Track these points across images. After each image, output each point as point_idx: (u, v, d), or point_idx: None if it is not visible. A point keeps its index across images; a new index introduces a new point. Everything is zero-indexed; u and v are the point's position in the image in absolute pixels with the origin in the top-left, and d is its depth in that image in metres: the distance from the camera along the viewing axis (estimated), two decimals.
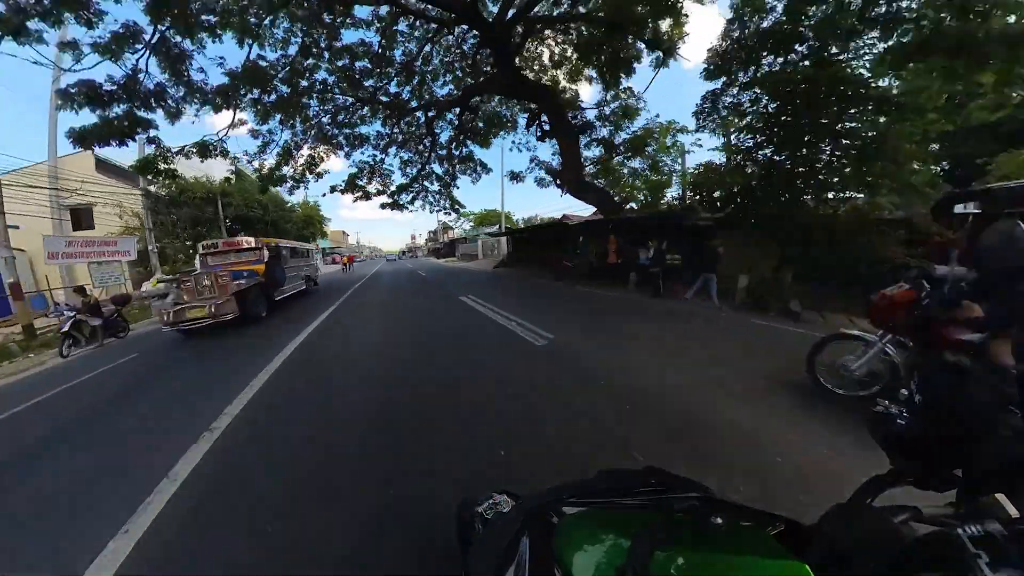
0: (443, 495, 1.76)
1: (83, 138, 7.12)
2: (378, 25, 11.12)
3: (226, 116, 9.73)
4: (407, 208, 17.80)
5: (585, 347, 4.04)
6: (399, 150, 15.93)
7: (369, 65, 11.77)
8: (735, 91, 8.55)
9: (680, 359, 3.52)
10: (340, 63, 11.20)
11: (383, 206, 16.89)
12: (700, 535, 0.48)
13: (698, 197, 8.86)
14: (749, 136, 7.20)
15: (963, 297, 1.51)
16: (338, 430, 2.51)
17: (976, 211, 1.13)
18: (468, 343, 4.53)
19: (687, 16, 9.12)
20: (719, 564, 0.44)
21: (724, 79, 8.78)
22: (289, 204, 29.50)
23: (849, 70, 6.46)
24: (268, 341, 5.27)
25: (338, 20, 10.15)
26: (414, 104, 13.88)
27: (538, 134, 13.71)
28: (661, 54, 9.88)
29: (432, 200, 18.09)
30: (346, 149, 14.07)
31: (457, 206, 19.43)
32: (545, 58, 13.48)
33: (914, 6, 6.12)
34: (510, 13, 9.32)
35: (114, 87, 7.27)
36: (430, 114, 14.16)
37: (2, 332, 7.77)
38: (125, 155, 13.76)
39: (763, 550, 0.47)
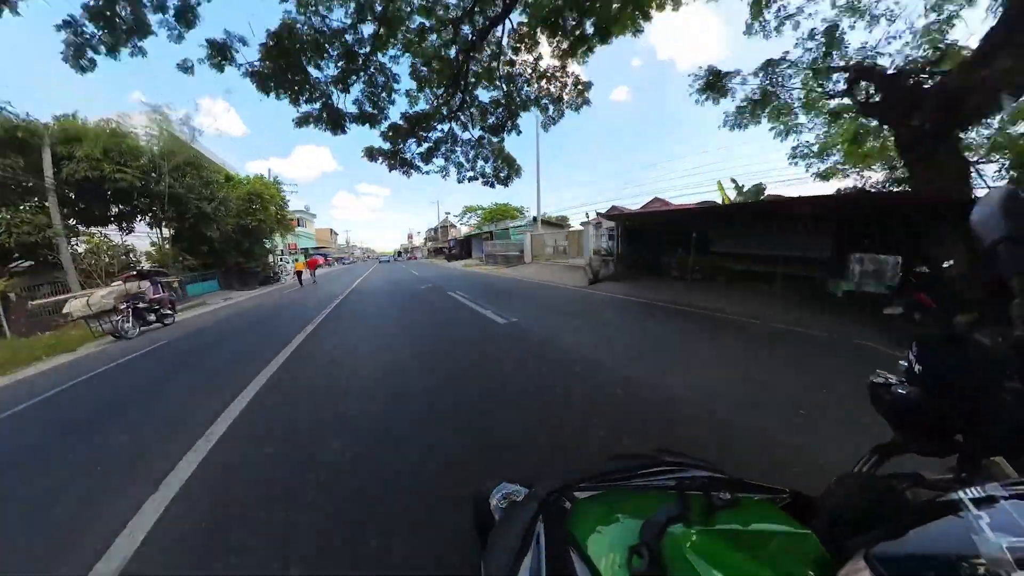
0: None
1: None
2: None
3: None
4: (424, 170, 10.63)
5: None
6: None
7: None
8: None
9: None
10: None
11: (392, 167, 10.13)
12: (710, 511, 0.49)
13: None
14: None
15: None
16: None
17: None
18: None
19: None
20: (729, 537, 0.45)
21: None
22: (229, 177, 20.52)
23: None
24: None
25: None
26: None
27: None
28: None
29: (465, 159, 10.76)
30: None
31: (511, 169, 10.57)
32: None
33: None
34: None
35: None
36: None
37: None
38: None
39: (771, 521, 0.49)
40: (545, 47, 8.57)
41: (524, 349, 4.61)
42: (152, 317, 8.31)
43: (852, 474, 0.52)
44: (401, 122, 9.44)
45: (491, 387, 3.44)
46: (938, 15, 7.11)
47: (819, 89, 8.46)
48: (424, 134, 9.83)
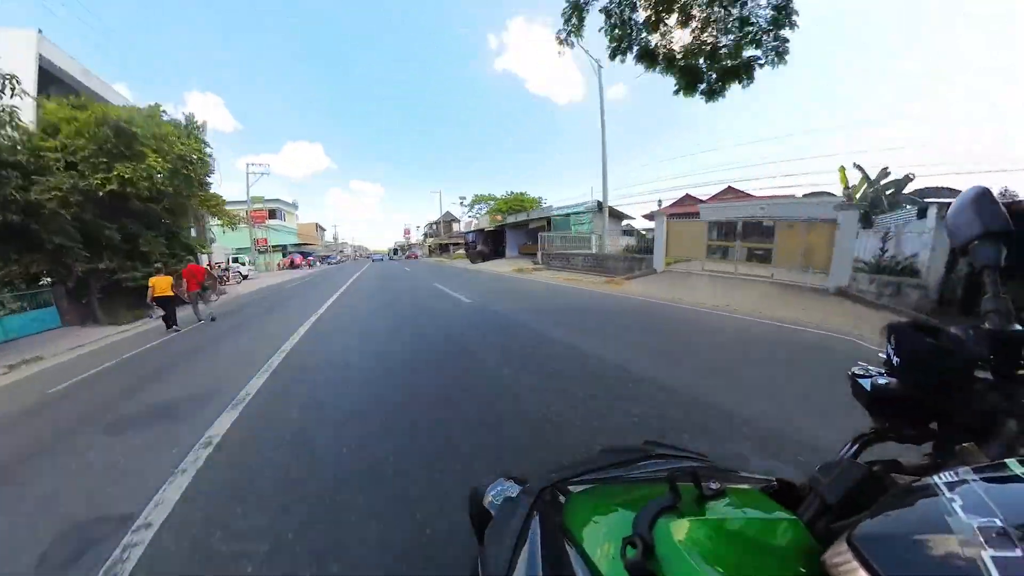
0: None
1: None
2: None
3: None
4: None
5: None
6: None
7: None
8: None
9: None
10: None
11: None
12: (700, 501, 0.50)
13: None
14: None
15: None
16: None
17: None
18: None
19: None
20: (719, 525, 0.47)
21: None
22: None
23: None
24: None
25: None
26: None
27: None
28: None
29: None
30: None
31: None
32: None
33: None
34: None
35: None
36: None
37: None
38: None
39: (759, 509, 0.51)
40: None
41: None
42: None
43: (835, 461, 0.52)
44: None
45: None
46: None
47: None
48: None
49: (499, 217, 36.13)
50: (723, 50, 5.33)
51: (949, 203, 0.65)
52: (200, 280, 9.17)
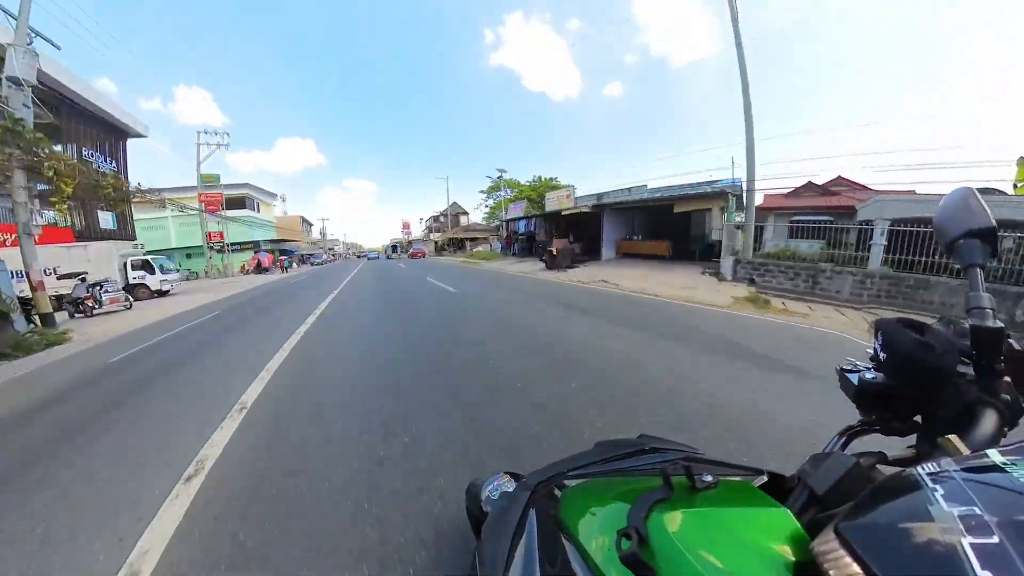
0: None
1: None
2: None
3: None
4: None
5: None
6: None
7: None
8: None
9: None
10: None
11: None
12: (692, 493, 0.50)
13: None
14: None
15: None
16: None
17: None
18: None
19: None
20: (711, 517, 0.48)
21: None
22: None
23: None
24: None
25: None
26: None
27: None
28: None
29: None
30: None
31: None
32: None
33: None
34: None
35: None
36: None
37: None
38: None
39: (750, 501, 0.52)
40: None
41: None
42: None
43: (823, 454, 0.53)
44: None
45: None
46: None
47: None
48: None
49: (567, 198, 22.52)
50: None
51: None
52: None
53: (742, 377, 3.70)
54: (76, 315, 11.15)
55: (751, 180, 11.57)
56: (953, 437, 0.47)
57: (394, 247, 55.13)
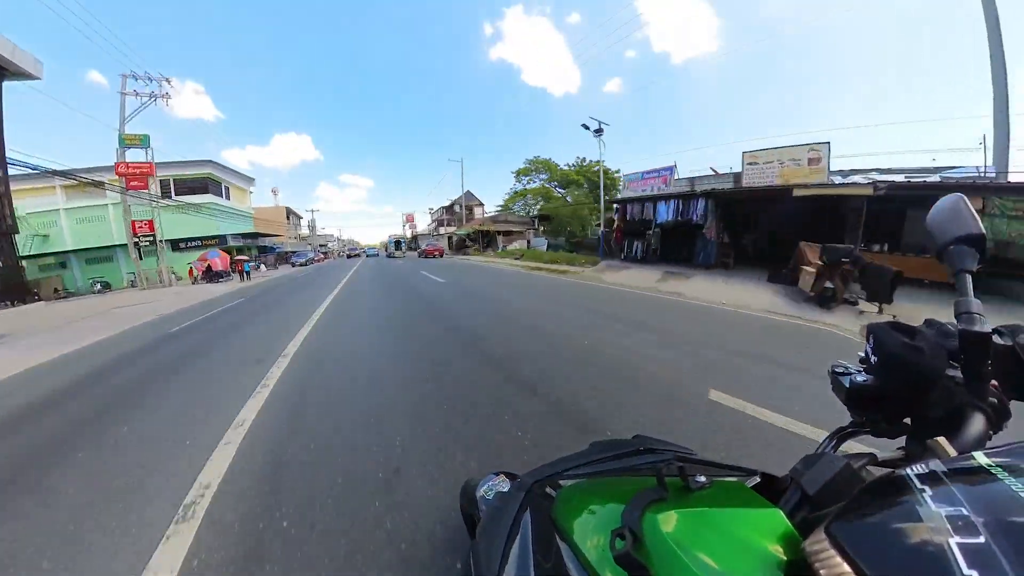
0: None
1: None
2: None
3: None
4: None
5: None
6: None
7: None
8: None
9: None
10: None
11: None
12: (686, 493, 0.51)
13: None
14: None
15: None
16: None
17: None
18: None
19: None
20: (704, 517, 0.48)
21: None
22: None
23: None
24: None
25: None
26: None
27: None
28: None
29: None
30: None
31: None
32: None
33: None
34: None
35: None
36: None
37: None
38: None
39: (742, 501, 0.52)
40: None
41: None
42: None
43: (814, 455, 0.54)
44: None
45: None
46: None
47: None
48: None
49: (811, 164, 11.43)
50: None
51: None
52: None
53: None
54: None
55: None
56: (941, 439, 0.47)
57: (397, 243, 45.00)
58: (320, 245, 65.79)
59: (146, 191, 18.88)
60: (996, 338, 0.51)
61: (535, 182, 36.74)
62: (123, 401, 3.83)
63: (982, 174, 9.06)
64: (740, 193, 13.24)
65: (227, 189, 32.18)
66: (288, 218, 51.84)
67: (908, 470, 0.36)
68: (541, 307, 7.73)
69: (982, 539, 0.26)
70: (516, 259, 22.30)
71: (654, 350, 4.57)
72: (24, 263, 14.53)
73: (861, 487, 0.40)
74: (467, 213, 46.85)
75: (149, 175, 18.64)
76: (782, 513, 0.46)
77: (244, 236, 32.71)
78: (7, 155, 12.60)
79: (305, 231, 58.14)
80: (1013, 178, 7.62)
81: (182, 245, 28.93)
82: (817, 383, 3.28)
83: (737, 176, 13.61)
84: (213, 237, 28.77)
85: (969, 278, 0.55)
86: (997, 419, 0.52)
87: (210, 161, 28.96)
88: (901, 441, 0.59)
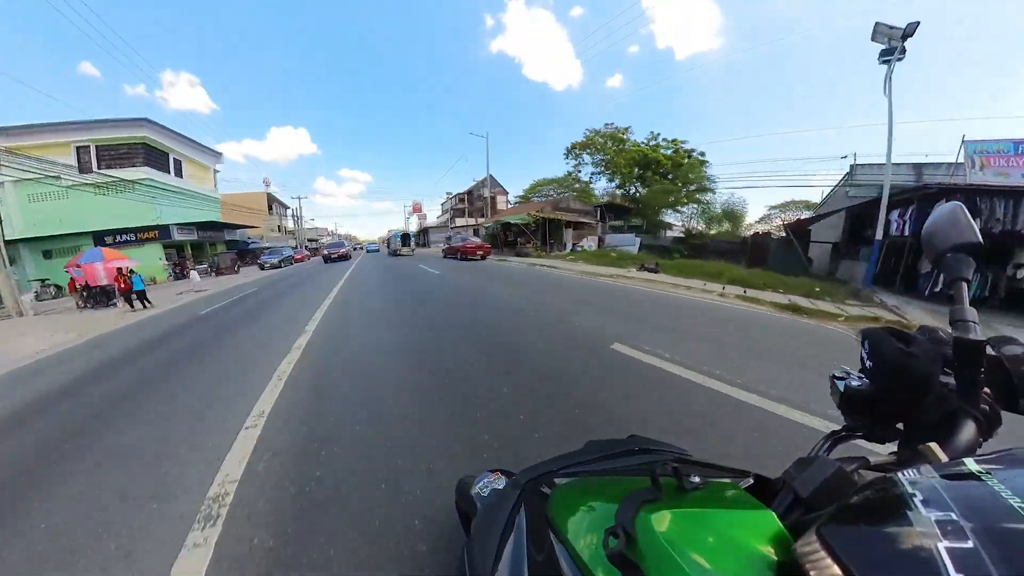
0: None
1: None
2: None
3: None
4: None
5: None
6: None
7: None
8: None
9: None
10: None
11: None
12: (680, 494, 0.51)
13: None
14: None
15: None
16: None
17: None
18: None
19: None
20: (697, 517, 0.47)
21: None
22: None
23: None
24: None
25: None
26: None
27: None
28: None
29: None
30: None
31: None
32: None
33: None
34: None
35: None
36: None
37: None
38: None
39: (736, 502, 0.52)
40: None
41: None
42: None
43: (808, 458, 0.55)
44: None
45: None
46: None
47: None
48: None
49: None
50: None
51: None
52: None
53: None
54: None
55: None
56: (933, 445, 0.48)
57: (404, 236, 34.38)
58: (309, 240, 56.52)
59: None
60: (989, 348, 0.52)
61: (585, 166, 28.41)
62: None
63: None
64: None
65: (178, 163, 23.36)
66: (271, 208, 42.79)
67: (900, 474, 0.37)
68: None
69: (970, 544, 0.27)
70: (650, 271, 12.17)
71: None
72: None
73: (853, 490, 0.40)
74: (491, 203, 38.18)
75: None
76: (774, 515, 0.45)
77: (204, 227, 23.94)
78: None
79: (288, 225, 48.57)
80: None
81: (108, 239, 20.31)
82: None
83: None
84: (147, 228, 19.92)
85: (965, 286, 0.56)
86: (988, 426, 0.53)
87: (146, 120, 20.00)
88: (893, 446, 0.60)
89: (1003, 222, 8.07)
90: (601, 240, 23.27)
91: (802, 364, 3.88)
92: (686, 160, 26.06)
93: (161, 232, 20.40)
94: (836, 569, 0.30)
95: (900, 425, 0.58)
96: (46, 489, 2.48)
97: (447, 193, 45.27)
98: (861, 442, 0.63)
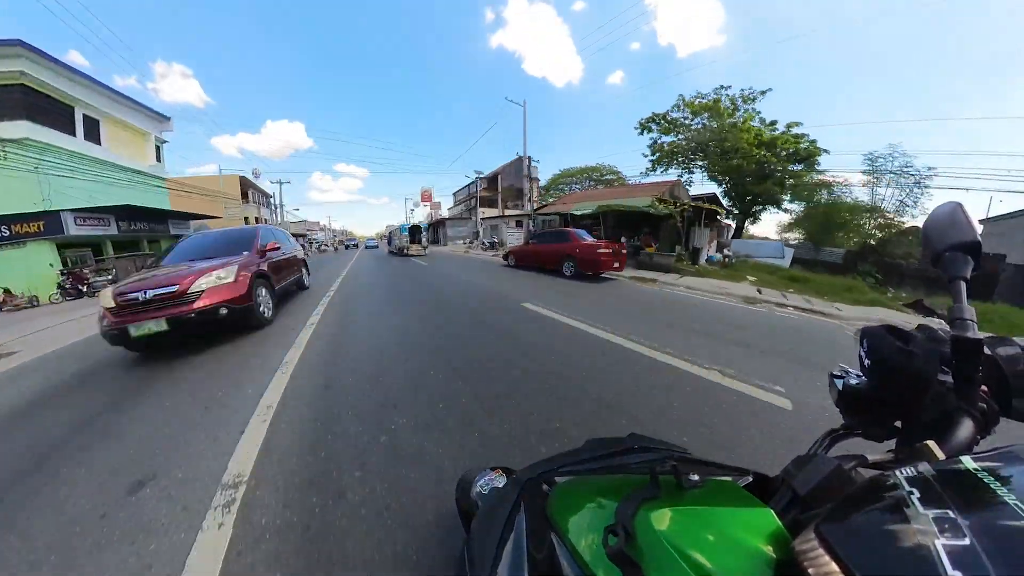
0: None
1: None
2: None
3: None
4: None
5: None
6: None
7: None
8: None
9: None
10: None
11: None
12: (679, 492, 0.50)
13: None
14: None
15: None
16: None
17: None
18: None
19: None
20: (696, 515, 0.47)
21: None
22: None
23: None
24: None
25: None
26: None
27: None
28: None
29: None
30: None
31: None
32: None
33: None
34: None
35: None
36: None
37: None
38: None
39: (735, 500, 0.52)
40: None
41: None
42: None
43: (806, 456, 0.54)
44: None
45: None
46: None
47: None
48: None
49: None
50: None
51: None
52: None
53: None
54: None
55: None
56: (931, 443, 0.47)
57: (413, 230, 25.16)
58: (296, 236, 48.92)
59: None
60: (986, 348, 0.52)
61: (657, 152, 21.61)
62: None
63: None
64: None
65: (92, 122, 15.91)
66: (247, 195, 35.18)
67: (897, 472, 0.37)
68: None
69: (967, 541, 0.27)
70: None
71: None
72: None
73: (851, 488, 0.41)
74: (516, 195, 31.15)
75: None
76: (773, 513, 0.45)
77: (134, 217, 16.63)
78: None
79: (271, 218, 40.50)
80: None
81: None
82: None
83: None
84: (23, 218, 12.58)
85: (964, 285, 0.55)
86: (986, 424, 0.53)
87: (20, 43, 12.64)
88: (891, 444, 0.59)
89: None
90: (722, 246, 16.51)
91: None
92: (820, 153, 19.47)
93: (49, 224, 13.08)
94: (834, 566, 0.30)
95: (898, 423, 0.58)
96: None
97: (476, 173, 36.25)
98: (859, 440, 0.63)
